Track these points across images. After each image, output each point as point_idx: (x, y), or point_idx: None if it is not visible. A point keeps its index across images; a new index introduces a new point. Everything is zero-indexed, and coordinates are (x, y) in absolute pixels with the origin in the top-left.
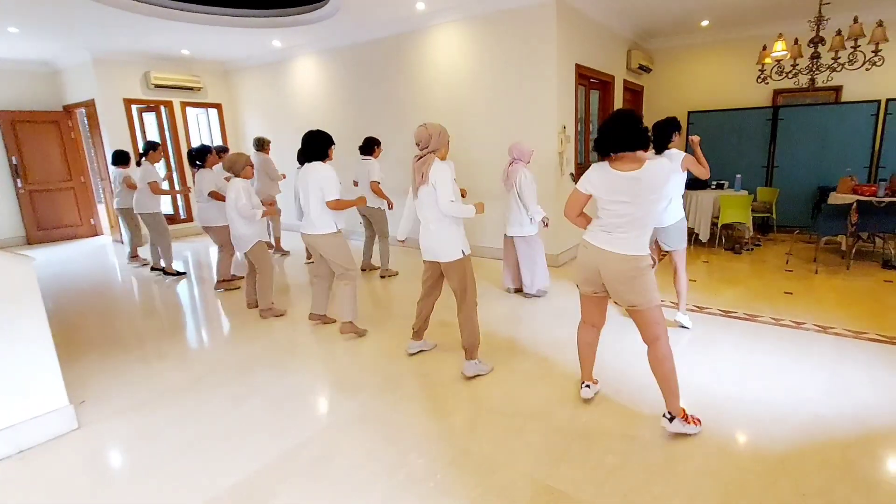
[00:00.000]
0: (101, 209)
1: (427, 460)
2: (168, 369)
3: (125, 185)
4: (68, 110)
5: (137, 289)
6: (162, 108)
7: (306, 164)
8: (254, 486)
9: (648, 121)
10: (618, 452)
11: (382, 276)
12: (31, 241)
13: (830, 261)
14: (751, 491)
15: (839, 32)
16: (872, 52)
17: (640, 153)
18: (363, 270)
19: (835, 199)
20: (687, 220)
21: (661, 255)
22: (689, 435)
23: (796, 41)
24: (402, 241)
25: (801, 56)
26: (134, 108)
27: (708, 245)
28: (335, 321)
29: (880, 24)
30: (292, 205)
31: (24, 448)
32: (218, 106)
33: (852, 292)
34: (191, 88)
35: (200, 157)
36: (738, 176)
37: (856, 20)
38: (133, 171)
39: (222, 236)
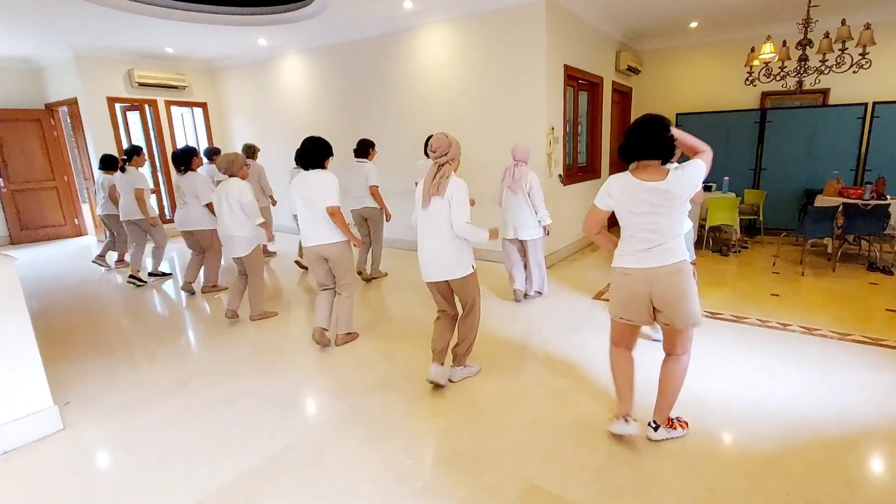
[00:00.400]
0: (86, 209)
1: (415, 461)
2: (154, 371)
3: (109, 196)
4: (51, 109)
5: (122, 290)
6: (146, 106)
7: (306, 172)
8: (242, 489)
9: None
10: (605, 452)
11: (373, 278)
12: (14, 241)
13: (817, 263)
14: (737, 490)
15: (827, 35)
16: (860, 54)
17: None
18: (368, 281)
19: (821, 201)
20: None
21: None
22: (676, 439)
23: (784, 43)
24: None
25: (789, 58)
26: (118, 106)
27: (695, 247)
28: (357, 335)
29: (868, 26)
30: (287, 205)
31: (8, 449)
32: (203, 105)
33: (838, 294)
34: (175, 87)
35: (186, 160)
36: (726, 178)
37: (843, 23)
38: (118, 177)
39: (210, 240)
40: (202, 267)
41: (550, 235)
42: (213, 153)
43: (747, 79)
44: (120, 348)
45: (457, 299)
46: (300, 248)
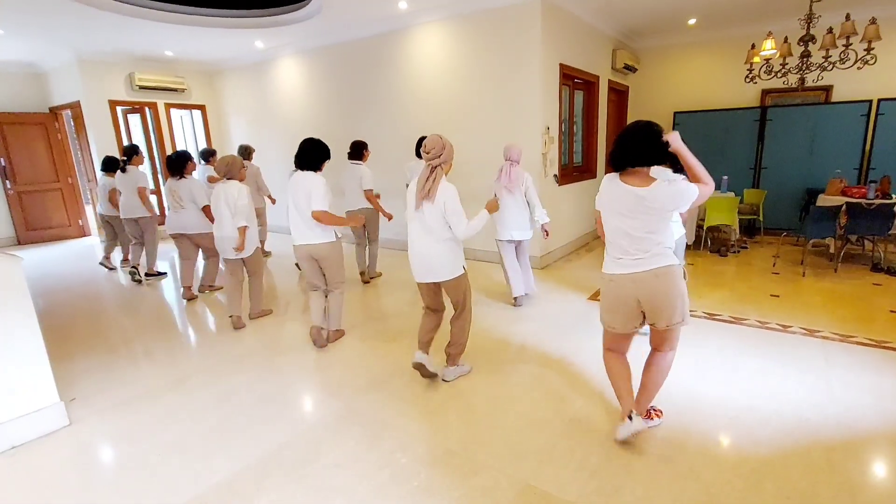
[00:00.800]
0: (89, 210)
1: (411, 460)
2: (154, 368)
3: (109, 199)
4: (54, 112)
5: (124, 290)
6: (146, 109)
7: (298, 173)
8: (239, 485)
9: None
10: (601, 453)
11: (370, 279)
12: (21, 241)
13: (818, 264)
14: (735, 493)
15: (830, 30)
16: (864, 50)
17: (653, 171)
18: (366, 282)
19: (824, 200)
20: None
21: None
22: (653, 428)
23: (786, 40)
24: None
25: (791, 55)
26: (119, 109)
27: (693, 247)
28: (343, 333)
29: (873, 21)
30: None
31: (16, 444)
32: (202, 107)
33: (840, 295)
34: (175, 90)
35: (181, 165)
36: (725, 177)
37: (848, 18)
38: (119, 177)
39: (209, 242)
40: (195, 270)
41: (549, 237)
42: (209, 154)
43: (747, 76)
44: (121, 346)
45: (447, 298)
46: None
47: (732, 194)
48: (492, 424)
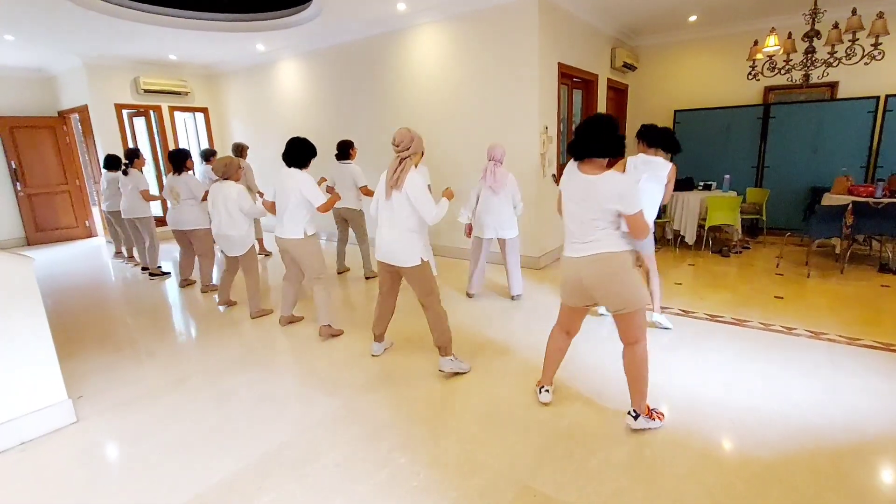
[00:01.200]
0: (96, 211)
1: (409, 460)
2: (157, 368)
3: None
4: (63, 116)
5: (129, 289)
6: (151, 112)
7: (285, 170)
8: (240, 484)
9: (634, 121)
10: (601, 455)
11: (368, 278)
12: (30, 242)
13: (823, 264)
14: (737, 497)
15: (836, 25)
16: (872, 45)
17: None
18: (339, 273)
19: (829, 199)
20: (672, 221)
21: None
22: (653, 429)
23: (790, 35)
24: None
25: (795, 51)
26: (125, 112)
27: (694, 248)
28: (302, 318)
29: (880, 15)
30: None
31: (25, 440)
32: (204, 110)
33: (846, 297)
34: (178, 93)
35: (181, 161)
36: (727, 176)
37: (854, 12)
38: (120, 180)
39: (203, 240)
40: (194, 261)
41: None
42: (209, 154)
43: (750, 73)
44: (125, 345)
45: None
46: None
47: (734, 193)
48: (491, 425)
